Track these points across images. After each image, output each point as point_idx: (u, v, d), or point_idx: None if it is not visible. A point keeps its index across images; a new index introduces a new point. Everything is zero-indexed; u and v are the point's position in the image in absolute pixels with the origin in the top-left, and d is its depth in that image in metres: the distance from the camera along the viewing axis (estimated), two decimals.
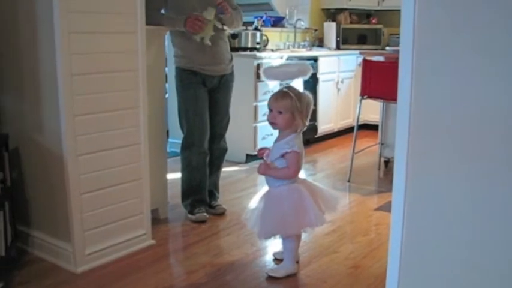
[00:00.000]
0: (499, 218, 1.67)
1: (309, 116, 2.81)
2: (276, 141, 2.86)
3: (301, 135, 2.85)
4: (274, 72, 2.92)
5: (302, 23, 6.86)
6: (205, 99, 3.61)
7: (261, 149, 3.01)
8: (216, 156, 3.81)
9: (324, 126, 6.26)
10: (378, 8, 7.17)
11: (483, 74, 1.64)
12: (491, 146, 1.65)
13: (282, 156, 2.76)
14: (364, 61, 4.57)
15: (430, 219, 1.81)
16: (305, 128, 2.83)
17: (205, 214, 3.66)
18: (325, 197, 2.92)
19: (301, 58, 5.78)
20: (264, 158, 2.92)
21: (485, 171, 1.68)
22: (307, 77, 2.90)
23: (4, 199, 2.76)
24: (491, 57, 1.62)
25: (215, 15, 3.44)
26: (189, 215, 3.68)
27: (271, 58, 5.32)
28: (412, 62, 1.74)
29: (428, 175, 1.79)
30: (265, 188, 2.95)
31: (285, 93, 2.76)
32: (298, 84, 5.48)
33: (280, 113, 2.75)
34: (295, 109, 2.72)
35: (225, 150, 3.86)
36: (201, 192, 3.71)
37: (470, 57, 1.66)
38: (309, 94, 2.82)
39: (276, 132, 2.90)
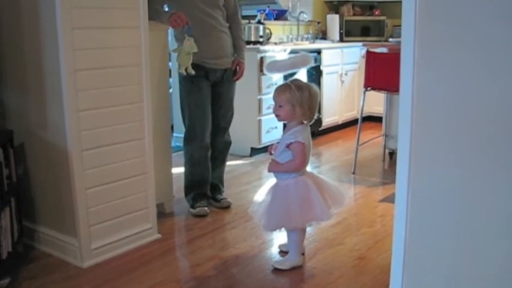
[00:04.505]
0: (503, 209, 1.67)
1: (314, 108, 2.81)
2: (283, 133, 2.89)
3: (308, 127, 2.86)
4: (274, 66, 2.97)
5: (305, 15, 6.85)
6: (207, 92, 3.61)
7: (271, 145, 3.03)
8: (220, 150, 3.82)
9: (328, 119, 6.25)
10: (381, 0, 7.15)
11: (484, 66, 1.64)
12: (493, 137, 1.65)
13: (287, 147, 2.78)
14: (368, 53, 4.56)
15: (433, 210, 1.81)
16: (312, 121, 2.84)
17: (205, 208, 3.66)
18: (332, 192, 2.92)
19: (304, 51, 5.76)
20: (272, 152, 2.93)
21: (488, 162, 1.67)
22: (308, 66, 2.97)
23: (10, 195, 2.77)
24: (493, 49, 1.62)
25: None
26: (191, 209, 3.69)
27: (275, 51, 5.31)
28: (414, 53, 1.74)
29: (431, 166, 1.79)
30: (272, 181, 2.95)
31: (285, 87, 2.79)
32: (301, 76, 5.49)
33: (281, 106, 2.79)
34: (295, 101, 2.75)
35: (229, 143, 3.86)
36: (202, 186, 3.71)
37: (472, 49, 1.65)
38: (312, 86, 2.83)
39: (281, 126, 2.93)
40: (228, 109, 3.77)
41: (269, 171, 2.89)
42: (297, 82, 2.82)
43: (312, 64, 3.00)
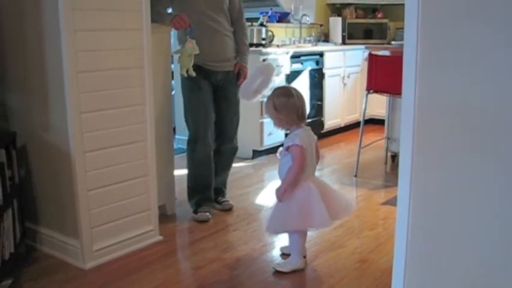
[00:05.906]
0: (504, 211, 1.66)
1: (293, 110, 2.82)
2: (286, 138, 2.92)
3: (309, 131, 2.87)
4: (244, 88, 3.21)
5: (307, 18, 6.85)
6: (208, 92, 3.58)
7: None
8: (227, 155, 3.79)
9: (330, 122, 6.25)
10: (384, 3, 7.15)
11: (487, 69, 1.64)
12: (495, 138, 1.65)
13: (287, 149, 2.80)
14: (370, 55, 4.56)
15: (435, 213, 1.81)
16: (303, 122, 2.87)
17: (207, 214, 3.61)
18: (337, 201, 2.92)
19: (306, 53, 5.78)
20: (277, 155, 2.96)
21: (489, 164, 1.67)
22: (274, 73, 3.20)
23: (12, 196, 2.78)
24: (496, 52, 1.62)
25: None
26: (193, 214, 3.65)
27: (277, 54, 5.32)
28: (416, 56, 1.74)
29: (433, 169, 1.79)
30: (276, 184, 2.95)
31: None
32: (303, 80, 5.51)
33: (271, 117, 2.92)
34: (277, 110, 2.83)
35: (235, 149, 3.82)
36: (206, 190, 3.67)
37: (475, 52, 1.65)
38: (288, 89, 2.94)
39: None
40: (235, 113, 3.75)
41: (279, 199, 2.82)
42: (276, 90, 2.93)
43: (274, 69, 3.21)
